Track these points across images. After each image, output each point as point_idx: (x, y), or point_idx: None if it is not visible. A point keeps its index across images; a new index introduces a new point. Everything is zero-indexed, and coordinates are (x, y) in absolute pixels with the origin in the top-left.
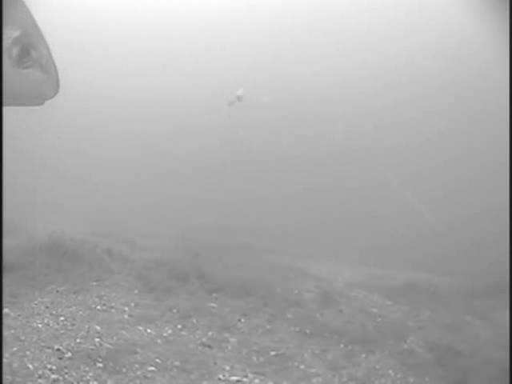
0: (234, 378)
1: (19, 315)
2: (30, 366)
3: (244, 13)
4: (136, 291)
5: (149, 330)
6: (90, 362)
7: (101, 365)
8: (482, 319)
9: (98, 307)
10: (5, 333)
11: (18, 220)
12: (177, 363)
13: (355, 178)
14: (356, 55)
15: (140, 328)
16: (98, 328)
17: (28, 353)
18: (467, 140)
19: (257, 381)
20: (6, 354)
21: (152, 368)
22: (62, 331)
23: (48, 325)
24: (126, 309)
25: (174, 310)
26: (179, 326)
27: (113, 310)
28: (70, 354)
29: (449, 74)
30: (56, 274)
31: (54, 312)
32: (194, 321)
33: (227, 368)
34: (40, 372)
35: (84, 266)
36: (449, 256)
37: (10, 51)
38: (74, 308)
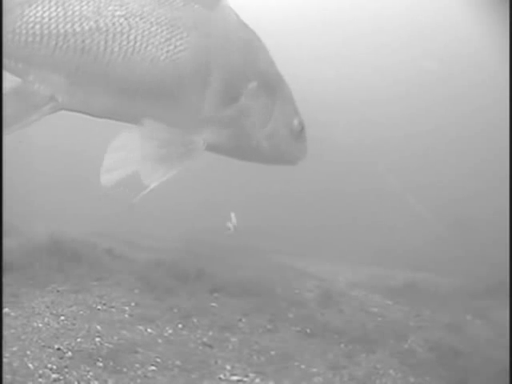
0: (235, 378)
1: (19, 315)
2: (31, 366)
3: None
4: (136, 291)
5: (149, 330)
6: (91, 362)
7: (101, 364)
8: (482, 319)
9: (99, 307)
10: (5, 332)
11: (18, 220)
12: (177, 363)
13: (356, 178)
14: (355, 55)
15: (140, 328)
16: (99, 327)
17: (28, 352)
18: (467, 141)
19: (258, 380)
20: (6, 354)
21: (153, 367)
22: (62, 331)
23: (48, 324)
24: (127, 308)
25: (175, 310)
26: (180, 326)
27: (113, 310)
28: (70, 354)
29: (449, 74)
30: (56, 274)
31: (54, 311)
32: (195, 320)
33: (228, 367)
34: (40, 371)
35: (84, 265)
36: (449, 256)
37: (293, 128)
38: (74, 307)
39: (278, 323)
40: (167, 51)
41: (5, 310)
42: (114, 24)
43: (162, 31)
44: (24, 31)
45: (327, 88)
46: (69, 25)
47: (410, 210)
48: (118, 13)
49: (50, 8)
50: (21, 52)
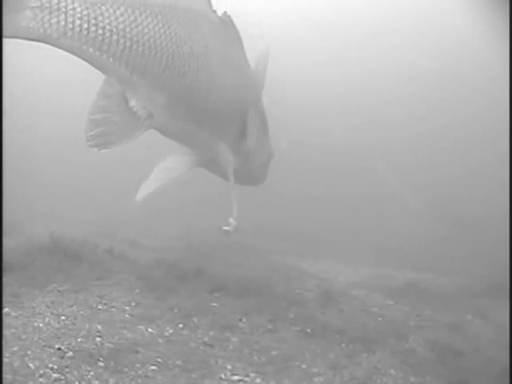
0: (236, 378)
1: (20, 314)
2: (31, 365)
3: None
4: (137, 291)
5: (150, 330)
6: (92, 362)
7: (102, 364)
8: (482, 319)
9: (99, 307)
10: (5, 332)
11: (19, 220)
12: (178, 362)
13: (355, 177)
14: (356, 58)
15: (141, 327)
16: (99, 327)
17: (29, 352)
18: (467, 140)
19: (258, 380)
20: (6, 354)
21: (153, 367)
22: (63, 330)
23: (49, 324)
24: (127, 308)
25: (175, 310)
26: (180, 326)
27: (114, 310)
28: (71, 354)
29: (447, 74)
30: (57, 274)
31: (54, 311)
32: (196, 320)
33: (229, 367)
34: (41, 371)
35: (85, 265)
36: (450, 256)
37: (270, 155)
38: (74, 307)
39: (279, 323)
40: (229, 83)
41: (5, 309)
42: (202, 53)
43: (226, 65)
44: (141, 41)
45: (328, 90)
46: (175, 46)
47: (411, 209)
48: (202, 43)
49: (158, 23)
50: (138, 62)
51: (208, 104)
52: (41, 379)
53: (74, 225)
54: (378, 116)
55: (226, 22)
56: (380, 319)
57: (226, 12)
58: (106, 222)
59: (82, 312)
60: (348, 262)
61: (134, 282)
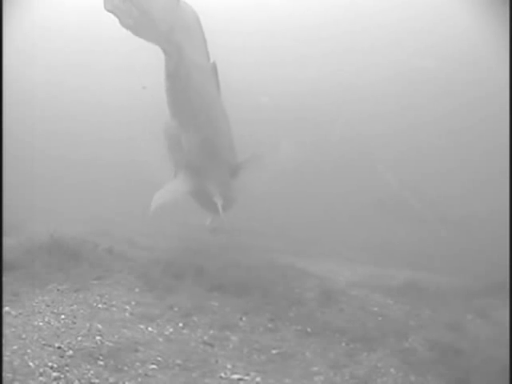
0: (236, 377)
1: (20, 313)
2: (31, 364)
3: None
4: (137, 290)
5: (150, 329)
6: (92, 360)
7: (102, 363)
8: (482, 318)
9: (99, 306)
10: (6, 331)
11: (18, 219)
12: (178, 361)
13: (355, 177)
14: (352, 55)
15: (141, 326)
16: (99, 326)
17: (29, 351)
18: (467, 140)
19: (258, 379)
20: (6, 352)
21: (153, 366)
22: (63, 329)
23: (49, 323)
24: (127, 307)
25: (175, 309)
26: (180, 325)
27: (114, 309)
28: (71, 352)
29: (447, 74)
30: (57, 273)
31: (54, 310)
32: (195, 319)
33: (229, 366)
34: (41, 370)
35: (85, 264)
36: (449, 255)
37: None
38: (74, 306)
39: (279, 322)
40: (227, 128)
41: (5, 308)
42: (217, 102)
43: (222, 109)
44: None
45: (324, 87)
46: (210, 97)
47: (410, 209)
48: (215, 93)
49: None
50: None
51: (219, 145)
52: (41, 378)
53: (73, 224)
54: (377, 114)
55: (214, 71)
56: (380, 318)
57: (214, 62)
58: (105, 221)
59: (81, 311)
60: (348, 261)
61: (133, 281)
